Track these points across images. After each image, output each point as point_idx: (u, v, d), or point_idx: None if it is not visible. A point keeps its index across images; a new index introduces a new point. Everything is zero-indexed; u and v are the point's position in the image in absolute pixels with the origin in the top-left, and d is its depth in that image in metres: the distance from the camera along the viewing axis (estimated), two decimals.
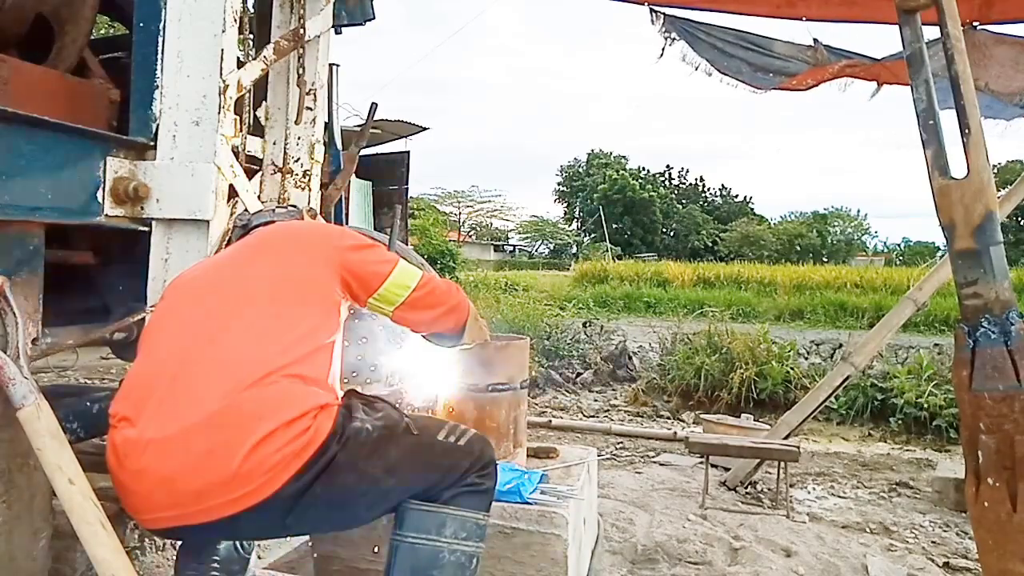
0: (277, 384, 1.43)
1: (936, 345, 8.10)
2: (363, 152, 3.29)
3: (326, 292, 1.66)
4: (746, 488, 4.23)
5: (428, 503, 1.56)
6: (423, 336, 1.94)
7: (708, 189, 58.43)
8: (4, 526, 1.74)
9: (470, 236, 51.33)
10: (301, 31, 2.70)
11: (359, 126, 3.55)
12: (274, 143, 2.82)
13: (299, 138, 2.80)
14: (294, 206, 2.02)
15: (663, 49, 3.78)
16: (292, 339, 1.51)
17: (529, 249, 52.90)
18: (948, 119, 1.78)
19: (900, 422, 6.27)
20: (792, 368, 7.17)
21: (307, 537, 2.50)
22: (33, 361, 1.82)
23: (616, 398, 7.60)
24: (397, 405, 1.70)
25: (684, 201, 54.17)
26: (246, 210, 2.03)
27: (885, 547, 3.34)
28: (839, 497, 4.32)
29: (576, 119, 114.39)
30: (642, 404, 7.27)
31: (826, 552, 3.14)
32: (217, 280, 1.67)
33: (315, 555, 2.45)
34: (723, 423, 5.27)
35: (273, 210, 1.98)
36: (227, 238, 2.36)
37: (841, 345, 8.69)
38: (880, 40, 3.74)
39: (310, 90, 2.78)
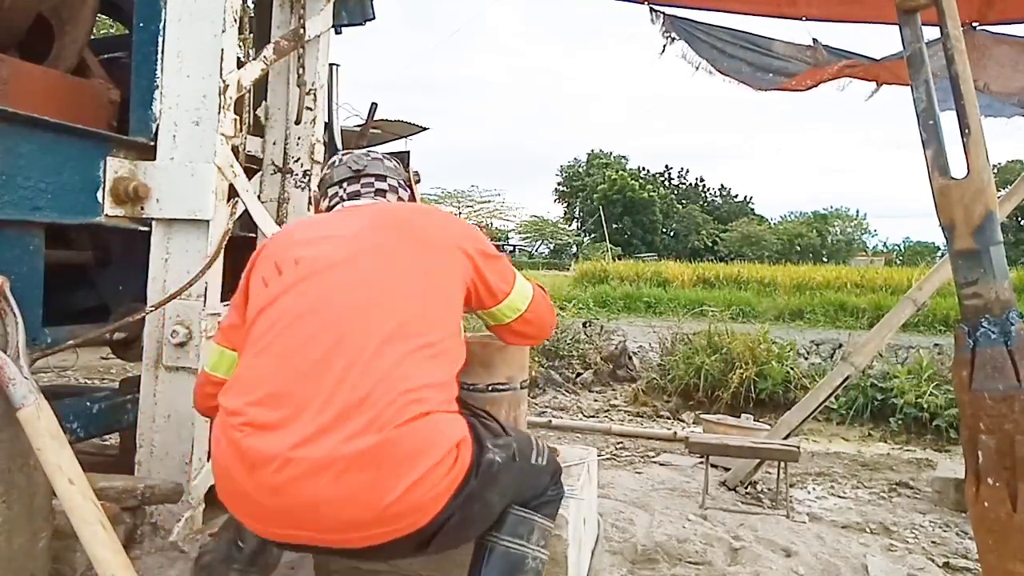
0: (429, 418, 1.37)
1: (936, 345, 8.10)
2: None
3: (459, 303, 1.60)
4: (746, 488, 4.22)
5: (525, 509, 1.61)
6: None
7: (708, 189, 58.51)
8: (4, 526, 1.74)
9: None
10: (301, 31, 2.70)
11: (359, 126, 3.55)
12: (274, 143, 2.82)
13: (299, 138, 2.80)
14: (391, 156, 1.86)
15: (664, 47, 3.78)
16: (439, 365, 1.46)
17: (529, 249, 52.90)
18: (948, 119, 1.78)
19: (900, 422, 6.27)
20: (792, 368, 7.17)
21: None
22: (33, 361, 1.82)
23: (616, 398, 7.60)
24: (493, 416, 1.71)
25: (684, 201, 54.21)
26: (355, 152, 1.84)
27: (885, 547, 3.33)
28: (839, 497, 4.32)
29: (576, 119, 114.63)
30: (642, 404, 7.26)
31: (826, 552, 3.14)
32: (359, 274, 1.50)
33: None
34: (723, 423, 5.26)
35: (383, 160, 1.82)
36: (227, 239, 2.36)
37: (841, 345, 8.69)
38: (879, 40, 3.74)
39: (310, 90, 2.78)
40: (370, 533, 1.33)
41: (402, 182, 1.83)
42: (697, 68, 3.83)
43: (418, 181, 1.96)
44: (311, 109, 2.79)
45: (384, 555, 1.53)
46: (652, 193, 50.06)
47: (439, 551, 1.54)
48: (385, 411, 1.33)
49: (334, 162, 1.84)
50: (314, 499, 1.30)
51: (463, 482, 1.39)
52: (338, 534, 1.34)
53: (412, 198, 1.87)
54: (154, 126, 2.38)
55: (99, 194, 2.26)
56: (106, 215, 2.28)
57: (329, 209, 1.78)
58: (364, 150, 1.87)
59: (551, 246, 51.45)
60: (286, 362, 1.40)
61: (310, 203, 2.81)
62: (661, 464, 4.86)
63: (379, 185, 1.78)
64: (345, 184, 1.77)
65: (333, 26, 2.85)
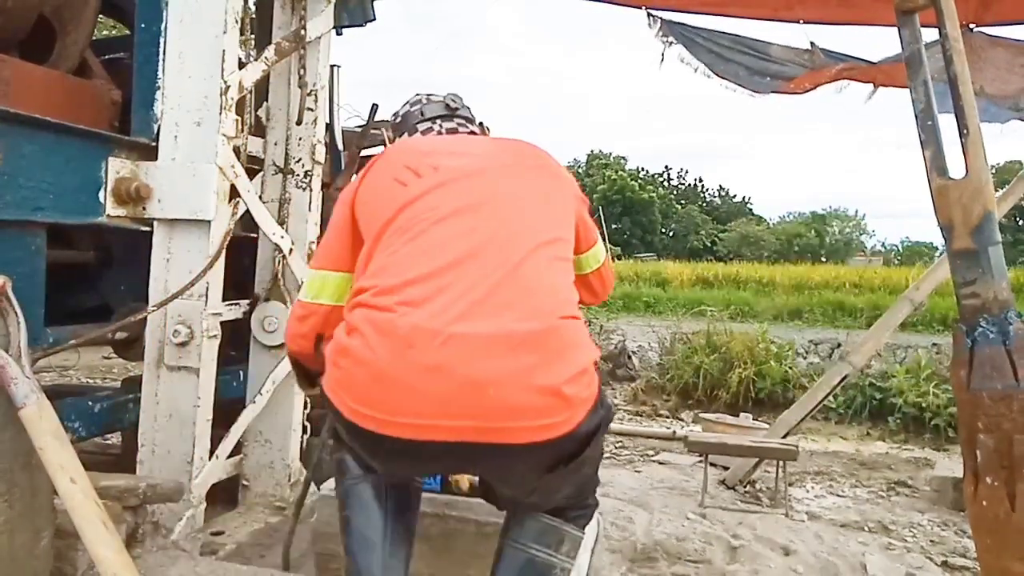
0: (578, 322, 1.36)
1: (934, 345, 8.10)
2: (364, 153, 3.29)
3: (572, 230, 1.57)
4: (745, 487, 4.23)
5: (555, 518, 1.51)
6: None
7: (707, 190, 58.52)
8: (6, 525, 1.74)
9: None
10: (302, 32, 2.70)
11: (360, 127, 3.55)
12: (275, 144, 2.83)
13: (300, 139, 2.81)
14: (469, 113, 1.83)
15: (663, 54, 3.79)
16: (570, 278, 1.46)
17: None
18: (947, 120, 1.79)
19: (898, 421, 6.28)
20: (790, 367, 7.19)
21: (308, 536, 2.50)
22: (35, 361, 1.82)
23: (615, 397, 7.60)
24: None
25: (683, 201, 54.19)
26: (442, 93, 1.79)
27: (884, 546, 3.34)
28: (838, 496, 4.33)
29: (576, 119, 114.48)
30: (641, 403, 7.27)
31: (825, 551, 3.15)
32: (505, 183, 1.48)
33: (316, 553, 2.45)
34: (722, 422, 5.27)
35: (466, 104, 1.81)
36: (228, 239, 2.36)
37: (839, 344, 8.69)
38: (876, 43, 3.75)
39: (311, 91, 2.78)
40: (533, 425, 1.23)
41: (480, 130, 1.81)
42: (696, 70, 3.84)
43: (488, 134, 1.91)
44: (312, 110, 2.79)
45: (526, 465, 1.35)
46: (651, 193, 50.06)
47: (554, 488, 1.42)
48: (545, 303, 1.31)
49: (419, 99, 1.78)
50: (482, 378, 1.20)
51: (596, 403, 1.34)
52: (501, 421, 1.22)
53: None
54: (156, 127, 2.38)
55: (101, 194, 2.26)
56: (108, 215, 2.28)
57: None
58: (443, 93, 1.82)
59: None
60: (445, 248, 1.33)
61: (311, 203, 2.81)
62: (660, 463, 4.87)
63: (472, 127, 1.76)
64: (440, 121, 1.72)
65: (334, 27, 2.85)
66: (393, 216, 1.42)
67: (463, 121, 1.75)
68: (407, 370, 1.22)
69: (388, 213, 1.43)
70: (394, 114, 1.83)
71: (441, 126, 1.72)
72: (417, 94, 1.81)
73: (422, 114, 1.74)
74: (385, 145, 1.84)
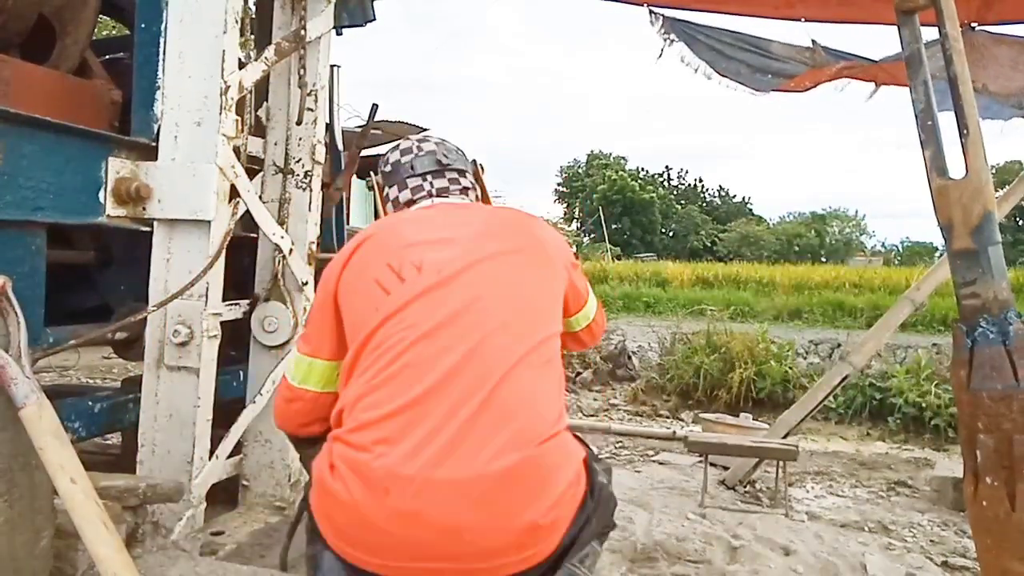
0: (561, 436, 1.34)
1: (934, 345, 8.11)
2: (364, 153, 3.30)
3: (560, 318, 1.53)
4: (745, 487, 4.24)
5: None
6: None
7: (707, 190, 58.52)
8: (6, 525, 1.74)
9: None
10: (302, 32, 2.70)
11: (360, 127, 3.56)
12: (275, 144, 2.83)
13: (300, 139, 2.81)
14: (460, 151, 1.74)
15: (662, 50, 3.79)
16: (561, 383, 1.43)
17: None
18: (947, 120, 1.79)
19: (898, 421, 6.28)
20: (791, 368, 7.19)
21: (305, 537, 2.50)
22: (35, 361, 1.82)
23: (615, 397, 7.60)
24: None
25: (683, 201, 54.19)
26: (431, 138, 1.71)
27: (884, 546, 3.34)
28: (838, 496, 4.33)
29: (576, 119, 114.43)
30: (641, 403, 7.27)
31: (825, 551, 3.15)
32: (489, 285, 1.41)
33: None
34: (722, 422, 5.28)
35: (460, 151, 1.72)
36: (228, 239, 2.36)
37: (839, 345, 8.70)
38: (878, 42, 3.75)
39: (311, 91, 2.78)
40: (512, 560, 1.25)
41: (472, 178, 1.73)
42: (696, 71, 3.84)
43: (483, 172, 1.85)
44: (312, 110, 2.79)
45: None
46: (651, 193, 50.07)
47: None
48: (527, 428, 1.28)
49: (410, 148, 1.69)
50: (458, 524, 1.21)
51: (583, 503, 1.34)
52: (483, 562, 1.24)
53: (484, 193, 1.78)
54: (156, 127, 2.38)
55: (101, 194, 2.26)
56: (108, 215, 2.28)
57: (411, 203, 1.64)
58: (439, 137, 1.74)
59: None
60: (422, 374, 1.30)
61: (311, 203, 2.81)
62: (660, 463, 4.87)
63: (463, 183, 1.68)
64: (431, 178, 1.64)
65: (334, 27, 2.85)
66: (374, 330, 1.38)
67: (455, 176, 1.67)
68: (384, 516, 1.23)
69: (370, 325, 1.39)
70: (383, 160, 1.75)
71: (432, 184, 1.64)
72: (408, 140, 1.74)
73: (412, 168, 1.66)
74: (373, 190, 1.78)
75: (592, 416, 6.76)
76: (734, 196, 58.07)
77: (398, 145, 1.74)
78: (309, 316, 1.65)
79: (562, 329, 1.58)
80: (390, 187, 1.69)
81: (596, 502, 1.38)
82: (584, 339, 1.79)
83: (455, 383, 1.28)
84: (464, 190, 1.68)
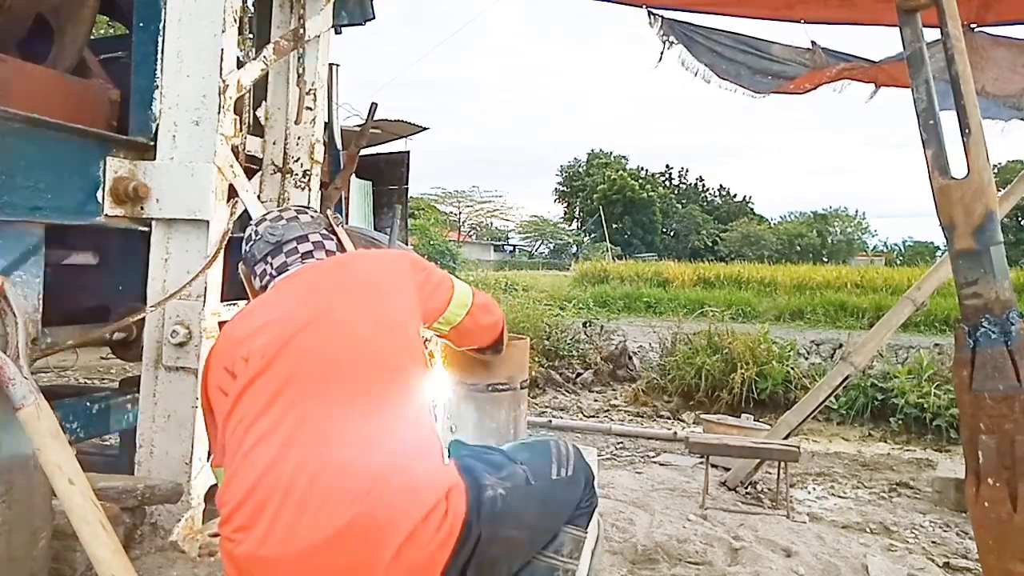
0: (402, 475, 1.34)
1: (936, 345, 8.10)
2: (363, 152, 3.29)
3: (417, 339, 1.55)
4: (746, 488, 4.23)
5: None
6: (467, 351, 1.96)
7: (708, 189, 58.45)
8: (4, 526, 1.74)
9: (470, 236, 51.40)
10: (301, 31, 2.70)
11: (359, 126, 3.55)
12: (274, 143, 2.82)
13: (299, 138, 2.80)
14: (306, 208, 1.80)
15: (661, 53, 3.78)
16: (405, 416, 1.43)
17: (529, 249, 52.88)
18: (948, 119, 1.78)
19: (900, 422, 6.27)
20: (792, 368, 7.18)
21: None
22: (33, 361, 1.82)
23: (616, 398, 7.60)
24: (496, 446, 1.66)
25: (684, 201, 54.15)
26: (268, 217, 1.75)
27: (885, 547, 3.34)
28: (839, 497, 4.32)
29: (576, 119, 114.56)
30: (642, 404, 7.27)
31: (826, 552, 3.14)
32: (311, 350, 1.45)
33: None
34: (723, 423, 5.27)
35: (298, 217, 1.73)
36: (227, 239, 2.36)
37: (841, 345, 8.69)
38: (877, 43, 3.74)
39: (310, 90, 2.78)
40: None
41: (325, 232, 1.72)
42: (696, 74, 3.84)
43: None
44: (311, 109, 2.79)
45: None
46: (652, 193, 50.02)
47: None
48: (359, 478, 1.31)
49: (250, 236, 1.72)
50: None
51: (462, 532, 1.33)
52: None
53: (340, 243, 1.75)
54: (154, 126, 2.38)
55: (99, 194, 2.25)
56: (106, 215, 2.27)
57: (264, 288, 1.67)
58: (276, 211, 1.77)
59: (551, 246, 51.43)
60: (257, 458, 1.35)
61: (309, 203, 2.80)
62: (661, 464, 4.87)
63: (303, 248, 1.67)
64: (269, 258, 1.67)
65: (333, 26, 2.84)
66: (223, 431, 1.45)
67: (292, 247, 1.67)
68: None
69: (221, 424, 1.47)
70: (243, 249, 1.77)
71: (271, 265, 1.67)
72: (250, 225, 1.76)
73: (254, 256, 1.70)
74: (250, 279, 1.78)
75: (593, 417, 6.76)
76: (735, 196, 58.00)
77: (246, 233, 1.77)
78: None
79: (446, 327, 1.75)
80: (252, 278, 1.74)
81: (486, 520, 1.36)
82: (471, 328, 1.83)
83: (287, 459, 1.33)
84: (306, 255, 1.67)
